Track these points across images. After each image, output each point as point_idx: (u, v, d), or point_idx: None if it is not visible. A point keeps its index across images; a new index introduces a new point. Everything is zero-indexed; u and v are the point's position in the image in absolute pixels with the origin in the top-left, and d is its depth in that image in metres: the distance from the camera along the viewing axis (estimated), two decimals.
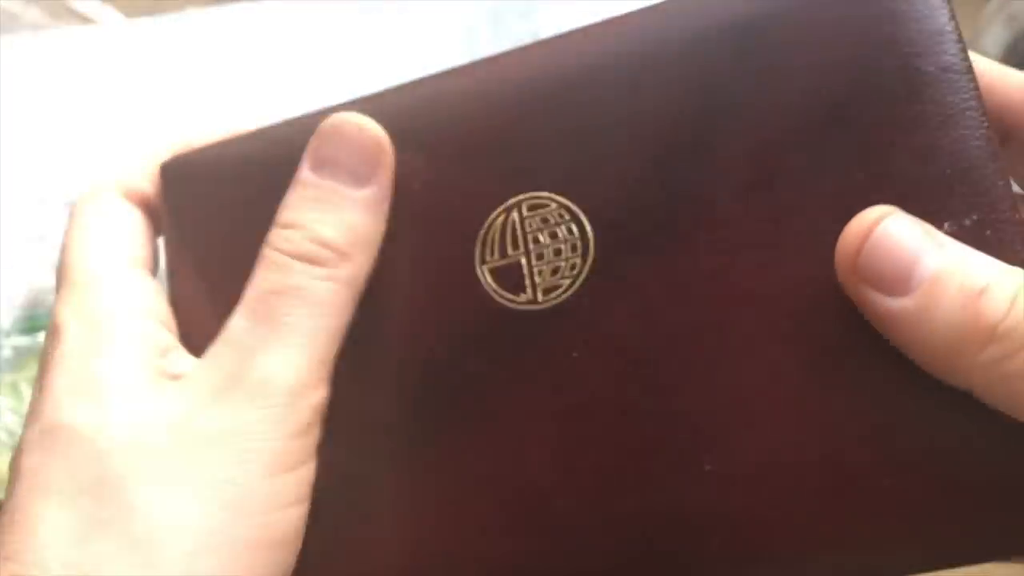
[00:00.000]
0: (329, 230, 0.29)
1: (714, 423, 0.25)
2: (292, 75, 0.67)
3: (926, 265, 0.23)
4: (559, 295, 0.28)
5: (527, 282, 0.28)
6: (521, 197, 0.28)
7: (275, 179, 0.30)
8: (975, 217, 0.24)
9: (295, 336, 0.28)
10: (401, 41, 0.67)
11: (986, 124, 0.25)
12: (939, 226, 0.24)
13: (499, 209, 0.28)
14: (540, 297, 0.28)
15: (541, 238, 0.28)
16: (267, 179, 0.30)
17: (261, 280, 0.29)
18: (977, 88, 0.25)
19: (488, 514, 0.28)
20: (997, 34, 0.73)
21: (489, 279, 0.28)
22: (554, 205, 0.28)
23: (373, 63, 0.67)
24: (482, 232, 0.28)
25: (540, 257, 0.28)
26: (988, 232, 0.24)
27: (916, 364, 0.23)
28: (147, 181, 0.33)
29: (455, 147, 0.29)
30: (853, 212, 0.24)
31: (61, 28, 0.69)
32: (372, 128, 0.30)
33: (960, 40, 0.25)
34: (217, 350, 0.28)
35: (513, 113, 0.29)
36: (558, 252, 0.28)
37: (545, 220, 0.28)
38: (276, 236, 0.29)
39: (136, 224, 0.32)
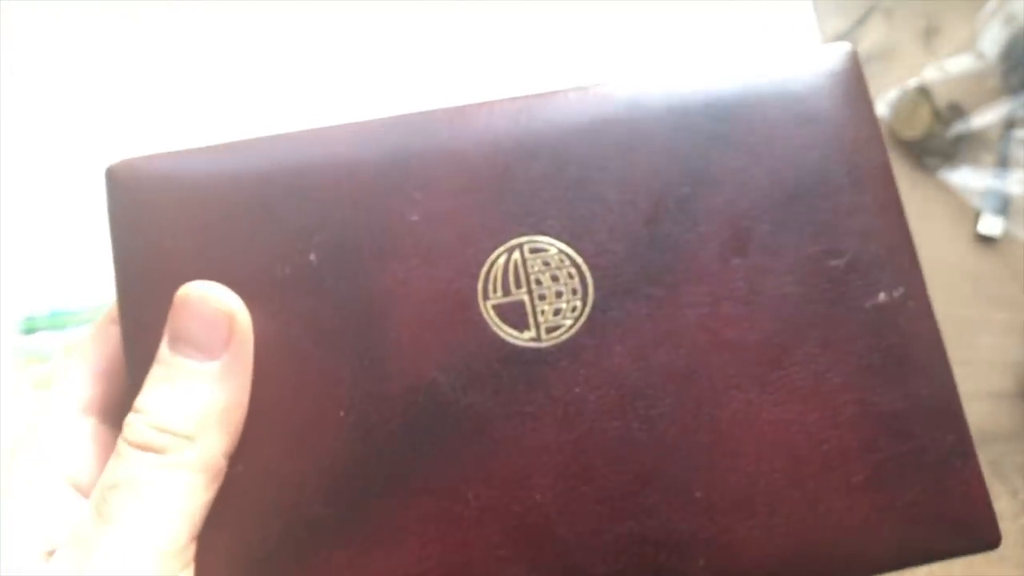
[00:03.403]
0: (172, 413, 0.29)
1: (702, 454, 0.29)
2: (296, 73, 0.67)
3: None
4: (561, 334, 0.29)
5: (530, 320, 0.29)
6: (523, 240, 0.29)
7: (243, 200, 0.30)
8: (902, 290, 0.30)
9: (129, 532, 0.27)
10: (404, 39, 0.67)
11: (905, 215, 0.31)
12: (875, 295, 0.30)
13: (501, 248, 0.29)
14: (543, 335, 0.29)
15: (543, 280, 0.29)
16: (235, 198, 0.31)
17: (105, 472, 0.29)
18: (896, 186, 0.31)
19: (493, 542, 0.29)
20: (995, 34, 0.74)
21: (493, 315, 0.29)
22: (554, 250, 0.30)
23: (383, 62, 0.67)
24: (484, 269, 0.29)
25: (542, 298, 0.29)
26: (911, 303, 0.30)
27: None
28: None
29: (457, 182, 0.30)
30: (813, 280, 0.30)
31: (72, 15, 0.69)
32: (217, 298, 0.29)
33: (884, 144, 0.31)
34: (62, 552, 0.28)
35: (516, 157, 0.30)
36: (559, 294, 0.29)
37: (546, 263, 0.29)
38: (126, 422, 0.29)
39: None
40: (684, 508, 0.29)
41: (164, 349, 0.29)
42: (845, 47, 0.32)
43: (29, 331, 0.64)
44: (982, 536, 0.30)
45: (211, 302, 0.29)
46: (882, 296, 0.30)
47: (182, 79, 0.68)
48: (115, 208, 0.31)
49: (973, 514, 0.30)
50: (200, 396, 0.29)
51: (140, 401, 0.29)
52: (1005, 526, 0.64)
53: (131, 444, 0.28)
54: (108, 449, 0.30)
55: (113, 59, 0.68)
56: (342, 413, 0.29)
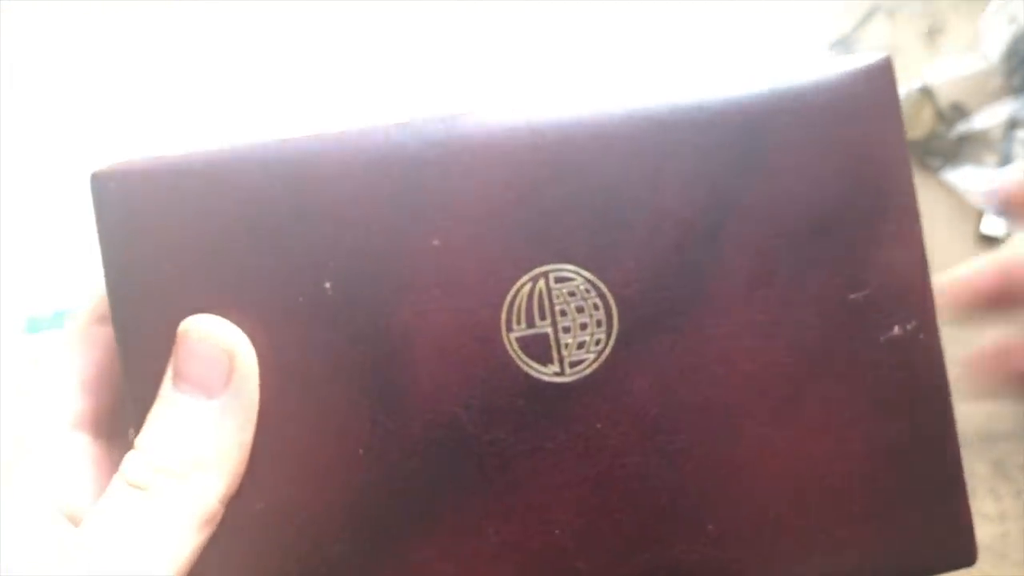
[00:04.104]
0: (168, 452, 0.28)
1: (716, 487, 0.30)
2: (301, 73, 0.67)
3: None
4: (584, 368, 0.29)
5: (554, 354, 0.29)
6: (547, 268, 0.29)
7: (249, 219, 0.29)
8: (915, 323, 0.30)
9: (109, 569, 0.27)
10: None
11: (924, 243, 0.30)
12: (891, 329, 0.30)
13: (525, 277, 0.29)
14: (567, 370, 0.29)
15: (568, 311, 0.29)
16: (241, 216, 0.29)
17: (96, 505, 0.28)
18: (919, 212, 0.30)
19: None
20: (998, 34, 0.73)
21: (516, 348, 0.29)
22: (580, 280, 0.29)
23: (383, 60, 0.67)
24: (508, 299, 0.29)
25: (567, 330, 0.29)
26: (922, 335, 0.30)
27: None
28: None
29: (480, 205, 0.29)
30: (833, 312, 0.30)
31: (72, 15, 0.69)
32: (217, 335, 0.29)
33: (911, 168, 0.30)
34: None
35: (541, 177, 0.29)
36: (584, 326, 0.29)
37: (572, 293, 0.29)
38: (125, 459, 0.29)
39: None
40: (697, 540, 0.29)
41: (167, 385, 0.29)
42: (882, 59, 0.31)
43: (34, 331, 0.64)
44: (964, 558, 0.31)
45: (211, 339, 0.29)
46: (896, 330, 0.30)
47: (184, 78, 0.68)
48: (104, 221, 0.29)
49: (959, 538, 0.31)
50: (197, 435, 0.28)
51: (139, 438, 0.29)
52: (1008, 526, 0.64)
53: (126, 481, 0.28)
54: (103, 468, 0.30)
55: (114, 58, 0.68)
56: (361, 451, 0.29)
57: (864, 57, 0.31)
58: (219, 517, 0.29)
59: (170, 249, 0.29)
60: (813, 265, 0.30)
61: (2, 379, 0.61)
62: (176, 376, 0.29)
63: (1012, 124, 0.73)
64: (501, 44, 0.69)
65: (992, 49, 0.74)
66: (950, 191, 0.75)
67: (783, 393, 0.30)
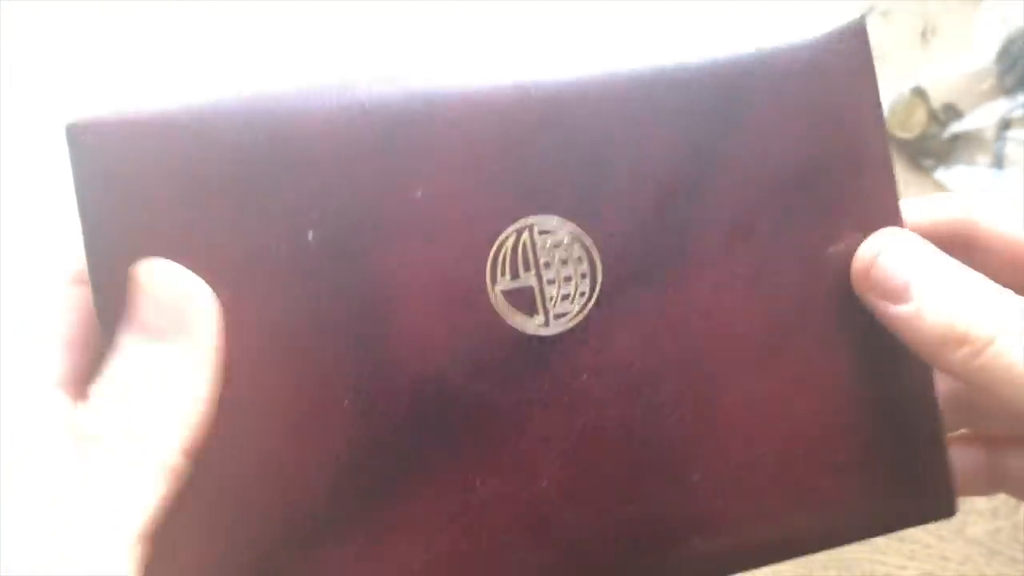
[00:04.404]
0: (121, 402, 0.27)
1: (700, 439, 0.30)
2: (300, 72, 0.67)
3: (918, 285, 0.28)
4: (568, 320, 0.29)
5: (539, 306, 0.29)
6: (532, 220, 0.29)
7: (231, 168, 0.28)
8: None
9: (78, 522, 0.25)
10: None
11: (898, 200, 0.31)
12: None
13: (510, 229, 0.29)
14: (552, 322, 0.29)
15: (552, 263, 0.29)
16: (222, 167, 0.28)
17: (56, 459, 0.27)
18: (892, 168, 0.31)
19: (500, 528, 0.29)
20: (990, 35, 0.74)
21: (501, 300, 0.29)
22: (564, 232, 0.29)
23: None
24: (493, 251, 0.29)
25: (551, 282, 0.29)
26: None
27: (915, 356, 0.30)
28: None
29: (464, 156, 0.29)
30: (812, 266, 0.30)
31: (72, 15, 0.69)
32: (170, 281, 0.28)
33: (885, 130, 0.31)
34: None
35: (526, 130, 0.29)
36: (568, 278, 0.29)
37: (556, 245, 0.29)
38: (78, 411, 0.27)
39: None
40: (682, 491, 0.30)
41: (120, 332, 0.27)
42: (856, 21, 0.31)
43: None
44: (945, 509, 0.32)
45: (162, 283, 0.27)
46: None
47: (184, 77, 0.68)
48: (80, 174, 0.28)
49: (938, 490, 0.31)
50: (151, 382, 0.27)
51: (93, 388, 0.27)
52: (1000, 523, 0.64)
53: (79, 436, 0.27)
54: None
55: (114, 58, 0.69)
56: (346, 403, 0.28)
57: (839, 19, 0.31)
58: (182, 469, 0.27)
59: (149, 203, 0.28)
60: (792, 220, 0.30)
61: (2, 378, 0.61)
62: (128, 322, 0.27)
63: (1005, 124, 0.74)
64: (488, 17, 0.70)
65: (985, 50, 0.74)
66: (943, 191, 0.75)
67: (764, 346, 0.30)
